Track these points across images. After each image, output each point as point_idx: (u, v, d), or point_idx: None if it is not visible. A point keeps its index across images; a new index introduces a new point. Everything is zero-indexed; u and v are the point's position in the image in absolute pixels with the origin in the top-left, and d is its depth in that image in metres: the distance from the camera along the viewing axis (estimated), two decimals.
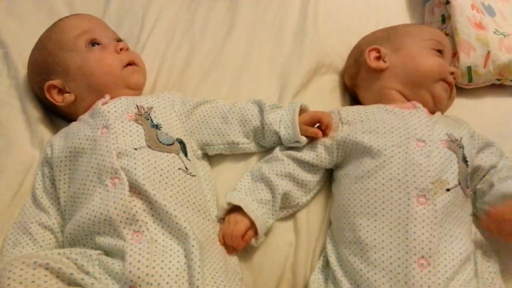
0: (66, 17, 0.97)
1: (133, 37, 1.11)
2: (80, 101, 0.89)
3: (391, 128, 0.81)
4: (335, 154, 0.85)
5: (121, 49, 0.91)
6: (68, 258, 0.67)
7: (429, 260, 0.69)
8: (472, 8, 1.04)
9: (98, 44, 0.91)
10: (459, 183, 0.77)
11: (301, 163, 0.85)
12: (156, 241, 0.70)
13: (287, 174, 0.84)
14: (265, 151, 0.93)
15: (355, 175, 0.80)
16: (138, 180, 0.72)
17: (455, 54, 1.03)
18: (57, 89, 0.89)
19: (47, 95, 0.89)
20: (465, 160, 0.81)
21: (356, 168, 0.81)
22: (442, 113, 0.94)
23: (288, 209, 0.86)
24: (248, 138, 0.90)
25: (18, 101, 0.96)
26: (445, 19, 1.09)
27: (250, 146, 0.91)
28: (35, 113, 0.94)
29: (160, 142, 0.81)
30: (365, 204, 0.76)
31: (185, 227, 0.70)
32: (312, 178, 0.86)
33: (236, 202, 0.81)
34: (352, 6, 1.19)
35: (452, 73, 0.92)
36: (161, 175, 0.76)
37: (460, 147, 0.81)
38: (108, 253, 0.71)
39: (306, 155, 0.85)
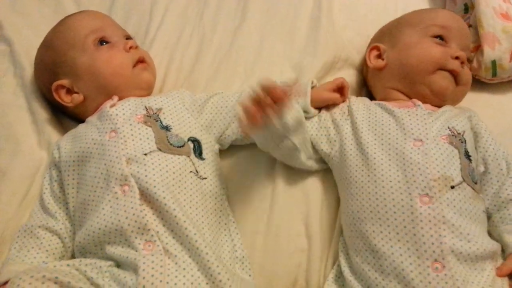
0: (74, 14, 0.95)
1: (141, 31, 1.08)
2: (89, 101, 0.87)
3: (388, 130, 0.79)
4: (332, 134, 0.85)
5: (130, 47, 0.88)
6: (77, 270, 0.66)
7: (443, 263, 0.66)
8: None
9: (106, 42, 0.88)
10: (464, 180, 0.73)
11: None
12: (168, 251, 0.68)
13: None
14: None
15: (356, 180, 0.78)
16: (150, 188, 0.71)
17: (478, 47, 0.97)
18: (65, 89, 0.87)
19: (55, 96, 0.87)
20: (467, 155, 0.77)
21: (355, 172, 0.78)
22: (456, 103, 0.90)
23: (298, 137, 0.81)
24: None
25: (25, 101, 0.94)
26: (468, 8, 1.04)
27: None
28: (42, 114, 0.92)
29: (171, 144, 0.79)
30: (370, 210, 0.74)
31: (195, 241, 0.69)
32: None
33: None
34: None
35: (457, 58, 0.85)
36: (173, 179, 0.74)
37: (462, 142, 0.78)
38: (119, 264, 0.70)
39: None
